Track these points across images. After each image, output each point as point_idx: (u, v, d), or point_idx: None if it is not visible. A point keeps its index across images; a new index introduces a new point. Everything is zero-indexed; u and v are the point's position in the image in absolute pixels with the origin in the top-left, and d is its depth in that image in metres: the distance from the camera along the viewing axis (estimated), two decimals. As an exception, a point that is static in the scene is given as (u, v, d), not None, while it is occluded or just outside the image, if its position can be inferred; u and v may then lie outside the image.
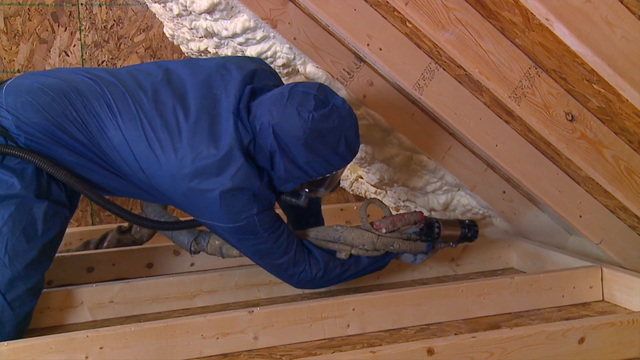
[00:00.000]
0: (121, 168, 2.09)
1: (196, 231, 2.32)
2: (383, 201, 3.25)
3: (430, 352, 1.88)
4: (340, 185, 3.47)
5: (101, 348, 1.96)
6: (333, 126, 2.05)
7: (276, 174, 2.11)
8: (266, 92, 2.13)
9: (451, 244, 2.37)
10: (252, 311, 2.08)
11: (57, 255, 2.58)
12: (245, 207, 2.05)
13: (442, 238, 2.31)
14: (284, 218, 2.52)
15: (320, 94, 2.07)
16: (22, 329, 2.10)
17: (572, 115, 2.02)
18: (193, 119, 2.05)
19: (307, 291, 2.50)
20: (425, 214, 2.98)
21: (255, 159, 2.09)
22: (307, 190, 2.20)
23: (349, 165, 3.22)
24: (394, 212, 2.50)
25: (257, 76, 2.19)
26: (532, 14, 1.68)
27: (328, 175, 2.14)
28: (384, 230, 2.26)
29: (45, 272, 2.15)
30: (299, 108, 2.03)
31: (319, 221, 2.61)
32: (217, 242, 2.29)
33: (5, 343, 1.92)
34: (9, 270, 2.03)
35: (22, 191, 2.03)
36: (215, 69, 2.17)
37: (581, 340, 1.97)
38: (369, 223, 2.27)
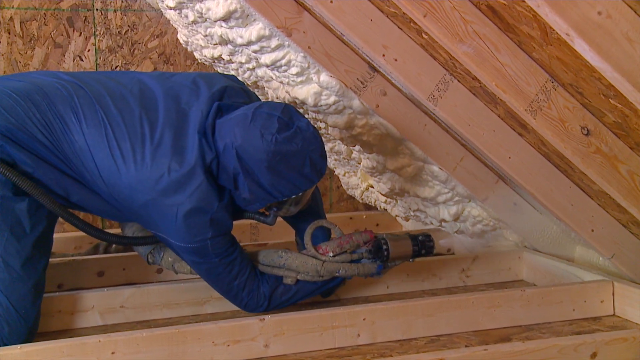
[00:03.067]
0: (82, 174, 2.06)
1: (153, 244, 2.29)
2: (392, 211, 3.26)
3: (442, 363, 1.88)
4: (351, 194, 3.48)
5: (113, 353, 1.96)
6: (297, 149, 2.03)
7: (241, 195, 2.09)
8: (234, 109, 2.12)
9: (410, 260, 2.34)
10: (264, 319, 2.08)
11: (67, 258, 2.63)
12: (200, 230, 2.04)
13: (392, 259, 2.28)
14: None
15: (285, 115, 2.06)
16: (31, 331, 2.10)
17: (587, 130, 2.02)
18: (158, 132, 2.04)
19: (317, 300, 2.51)
20: (436, 224, 2.98)
21: (218, 178, 2.08)
22: (275, 209, 2.19)
23: (359, 174, 3.23)
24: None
25: (227, 93, 2.18)
26: (550, 28, 1.68)
27: (294, 196, 2.12)
28: (331, 254, 2.23)
29: (44, 269, 2.14)
30: (262, 130, 2.01)
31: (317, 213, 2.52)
32: (170, 258, 2.27)
33: (19, 346, 1.93)
34: (7, 273, 2.03)
35: (0, 192, 2.01)
36: (185, 84, 2.17)
37: (593, 355, 1.96)
38: (313, 248, 2.24)
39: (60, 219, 2.20)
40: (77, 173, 2.06)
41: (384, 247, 2.27)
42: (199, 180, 2.01)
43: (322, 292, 2.42)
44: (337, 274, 2.24)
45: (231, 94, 2.19)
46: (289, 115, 2.07)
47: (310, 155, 2.06)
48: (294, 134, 2.04)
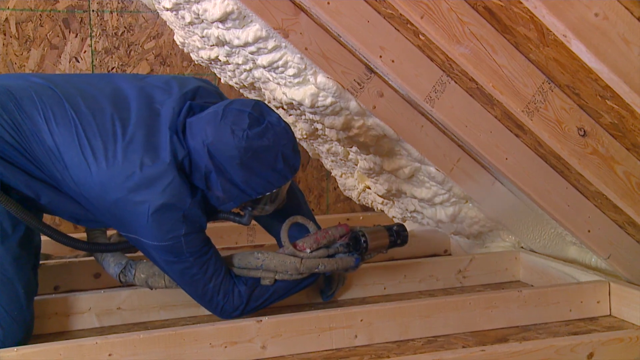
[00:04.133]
0: (52, 174, 2.04)
1: (123, 262, 2.24)
2: (388, 212, 3.26)
3: (439, 364, 1.89)
4: (348, 196, 3.47)
5: (110, 355, 1.96)
6: (268, 144, 2.02)
7: (214, 194, 2.08)
8: (206, 109, 2.11)
9: (384, 251, 2.35)
10: (261, 320, 2.08)
11: (63, 260, 2.62)
12: (173, 227, 2.01)
13: (370, 250, 2.28)
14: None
15: (255, 111, 2.05)
16: (26, 333, 2.09)
17: (584, 131, 2.02)
18: (130, 130, 2.02)
19: (314, 300, 2.51)
20: (433, 225, 2.99)
21: (191, 177, 2.06)
22: (250, 208, 2.17)
23: (356, 176, 3.24)
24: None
25: (199, 93, 2.17)
26: (547, 29, 1.69)
27: (268, 193, 2.10)
28: (308, 251, 2.21)
29: (32, 269, 2.14)
30: (233, 127, 2.00)
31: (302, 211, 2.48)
32: (142, 275, 2.22)
33: (15, 349, 1.93)
34: None
35: None
36: (158, 84, 2.16)
37: (590, 356, 1.97)
38: (291, 246, 2.21)
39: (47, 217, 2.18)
40: (47, 174, 2.04)
41: (362, 239, 2.26)
42: (170, 176, 1.99)
43: (323, 295, 2.43)
44: (316, 270, 2.21)
45: (203, 95, 2.18)
46: (259, 111, 2.06)
47: (282, 151, 2.05)
48: (265, 129, 2.02)
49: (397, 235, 2.34)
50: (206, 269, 2.11)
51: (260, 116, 2.04)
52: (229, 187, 2.06)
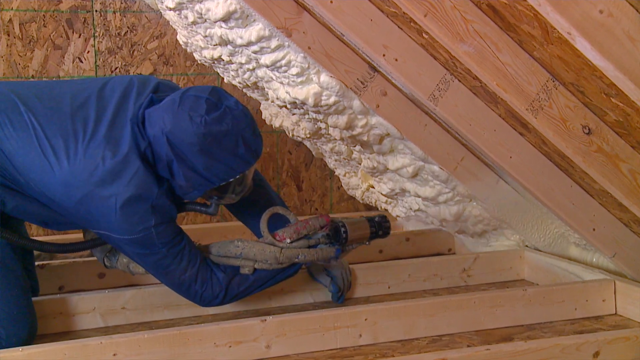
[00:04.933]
0: (15, 179, 2.02)
1: (108, 247, 2.24)
2: (392, 212, 3.26)
3: (444, 363, 1.88)
4: (351, 195, 3.47)
5: (114, 355, 1.96)
6: (227, 129, 2.00)
7: (177, 183, 2.05)
8: None
9: (366, 242, 2.33)
10: (265, 320, 2.08)
11: (68, 261, 2.62)
12: (142, 219, 1.99)
13: (350, 241, 2.27)
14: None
15: (213, 96, 2.03)
16: (30, 332, 2.10)
17: (589, 129, 2.01)
18: (91, 128, 2.01)
19: (318, 300, 2.51)
20: (437, 224, 2.98)
21: (155, 168, 2.05)
22: (215, 197, 2.14)
23: (360, 175, 3.23)
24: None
25: (161, 88, 2.16)
26: (551, 27, 1.68)
27: (232, 179, 2.07)
28: (288, 241, 2.20)
29: (23, 268, 2.14)
30: (191, 113, 1.98)
31: (270, 198, 2.45)
32: (124, 259, 2.22)
33: (20, 348, 1.93)
34: None
35: None
36: (120, 82, 2.15)
37: (596, 354, 1.96)
38: (270, 235, 2.20)
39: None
40: (10, 179, 2.03)
41: (342, 230, 2.24)
42: (134, 167, 1.98)
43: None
44: (296, 260, 2.19)
45: (165, 89, 2.16)
46: (217, 96, 2.04)
47: (243, 134, 2.02)
48: (223, 113, 2.00)
49: (379, 226, 2.32)
50: (180, 259, 2.08)
51: (217, 101, 2.02)
52: (191, 175, 2.02)
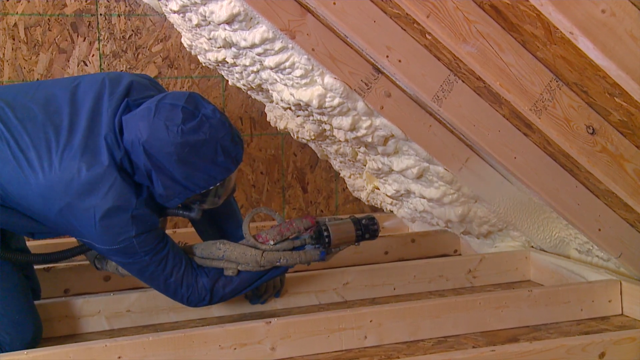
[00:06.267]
0: None
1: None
2: (398, 213, 3.25)
3: (449, 365, 1.88)
4: (356, 196, 3.47)
5: (119, 357, 1.97)
6: (205, 138, 1.96)
7: (157, 191, 2.01)
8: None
9: (355, 243, 2.27)
10: (270, 322, 2.08)
11: (74, 264, 2.63)
12: (122, 229, 1.96)
13: (334, 245, 2.21)
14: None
15: (189, 105, 1.98)
16: (35, 336, 2.10)
17: (593, 129, 2.01)
18: (64, 136, 1.97)
19: (323, 302, 2.51)
20: (442, 225, 2.97)
21: (134, 176, 2.01)
22: (198, 202, 2.10)
23: (364, 176, 3.23)
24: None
25: (134, 88, 2.10)
26: (554, 27, 1.67)
27: (212, 187, 2.04)
28: (271, 242, 2.16)
29: (19, 271, 2.14)
30: (167, 122, 1.94)
31: (233, 220, 2.43)
32: (113, 262, 2.18)
33: (25, 352, 1.94)
34: None
35: None
36: (92, 85, 2.09)
37: (602, 355, 1.96)
38: (252, 238, 2.17)
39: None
40: None
41: (325, 233, 2.19)
42: (111, 178, 1.94)
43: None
44: (277, 264, 2.16)
45: (139, 89, 2.11)
46: (193, 104, 2.00)
47: (221, 143, 1.98)
48: (200, 122, 1.96)
49: (365, 228, 2.25)
50: (164, 265, 2.07)
51: (194, 109, 1.98)
52: (171, 184, 1.99)
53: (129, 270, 2.10)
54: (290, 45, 2.40)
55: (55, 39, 3.22)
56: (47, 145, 1.96)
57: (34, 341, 2.10)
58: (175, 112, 1.96)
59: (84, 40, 3.26)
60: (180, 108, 1.97)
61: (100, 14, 3.26)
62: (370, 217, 2.28)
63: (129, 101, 2.05)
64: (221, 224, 2.38)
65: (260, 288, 2.39)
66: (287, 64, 2.47)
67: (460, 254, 3.07)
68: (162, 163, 1.96)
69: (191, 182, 1.99)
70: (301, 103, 2.56)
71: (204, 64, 3.09)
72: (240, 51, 2.59)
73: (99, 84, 2.10)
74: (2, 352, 2.01)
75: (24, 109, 2.03)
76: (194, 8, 2.54)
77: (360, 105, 2.50)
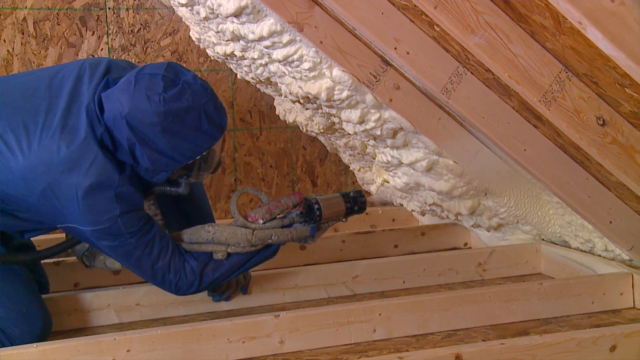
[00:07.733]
0: None
1: (86, 246, 2.20)
2: (407, 206, 3.24)
3: (458, 358, 1.87)
4: (366, 190, 3.45)
5: (128, 351, 1.97)
6: (188, 105, 1.93)
7: (142, 167, 1.99)
8: None
9: (342, 219, 2.27)
10: (278, 315, 2.08)
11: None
12: (106, 208, 1.93)
13: (325, 218, 2.20)
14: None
15: (169, 73, 1.96)
16: (44, 329, 2.11)
17: (603, 120, 1.99)
18: (42, 117, 1.95)
19: (332, 295, 2.50)
20: (452, 218, 2.96)
21: (116, 153, 1.98)
22: (184, 176, 2.08)
23: (374, 169, 3.22)
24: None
25: (113, 67, 2.09)
26: (563, 17, 1.65)
27: (199, 156, 2.01)
28: (261, 222, 2.14)
29: (23, 264, 2.14)
30: (148, 92, 1.91)
31: (203, 212, 2.44)
32: (101, 257, 2.19)
33: (35, 345, 1.95)
34: None
35: None
36: (72, 69, 2.08)
37: (612, 348, 1.94)
38: (242, 217, 2.14)
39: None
40: None
41: (316, 207, 2.18)
42: (92, 154, 1.92)
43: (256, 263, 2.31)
44: (269, 241, 2.14)
45: (118, 69, 2.09)
46: (173, 72, 1.97)
47: (205, 109, 1.96)
48: (181, 90, 1.94)
49: (354, 201, 2.25)
50: (150, 249, 2.04)
51: (175, 77, 1.96)
52: (156, 156, 1.96)
53: (115, 255, 2.06)
54: (298, 38, 2.39)
55: (64, 33, 3.23)
56: (25, 127, 1.94)
57: (44, 334, 2.11)
58: (155, 81, 1.94)
59: (92, 34, 3.26)
60: (161, 77, 1.95)
61: (109, 8, 3.27)
62: (357, 190, 2.31)
63: (109, 79, 2.03)
64: (191, 216, 2.35)
65: (222, 285, 2.35)
66: (295, 56, 2.46)
67: (470, 247, 3.06)
68: (146, 135, 1.93)
69: (177, 152, 1.96)
70: (310, 96, 2.55)
71: (212, 58, 3.09)
72: (249, 44, 2.58)
73: (79, 67, 2.08)
74: (13, 345, 2.02)
75: (1, 96, 2.02)
76: (202, 1, 2.54)
77: (369, 97, 2.48)
